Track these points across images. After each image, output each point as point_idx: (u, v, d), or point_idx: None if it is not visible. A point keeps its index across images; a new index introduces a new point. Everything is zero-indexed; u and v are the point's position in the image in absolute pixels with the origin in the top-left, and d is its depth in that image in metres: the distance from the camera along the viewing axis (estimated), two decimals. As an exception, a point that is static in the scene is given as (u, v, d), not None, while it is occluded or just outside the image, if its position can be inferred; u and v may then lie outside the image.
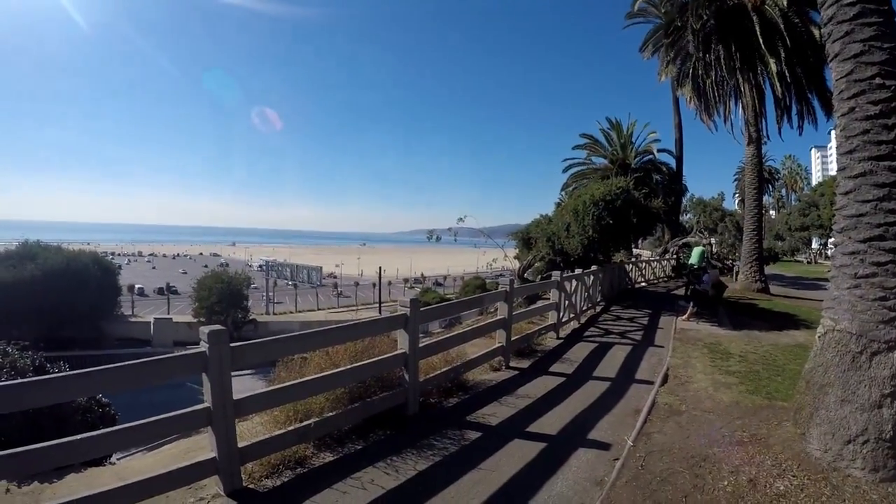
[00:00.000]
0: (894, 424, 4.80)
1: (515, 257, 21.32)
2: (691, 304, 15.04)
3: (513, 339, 9.38)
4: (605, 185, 18.01)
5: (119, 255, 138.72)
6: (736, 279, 26.84)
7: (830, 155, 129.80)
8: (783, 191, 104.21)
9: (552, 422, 6.55)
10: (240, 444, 4.60)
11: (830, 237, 61.64)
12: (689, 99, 26.37)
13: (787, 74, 21.37)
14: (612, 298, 18.48)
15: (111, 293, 38.81)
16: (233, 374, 4.46)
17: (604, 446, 5.81)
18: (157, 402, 7.08)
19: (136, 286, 75.73)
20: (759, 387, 8.30)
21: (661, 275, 30.12)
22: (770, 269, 33.05)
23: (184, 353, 4.50)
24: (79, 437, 3.84)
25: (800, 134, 24.78)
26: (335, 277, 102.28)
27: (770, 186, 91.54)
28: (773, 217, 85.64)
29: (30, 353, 9.40)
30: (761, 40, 20.81)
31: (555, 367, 9.33)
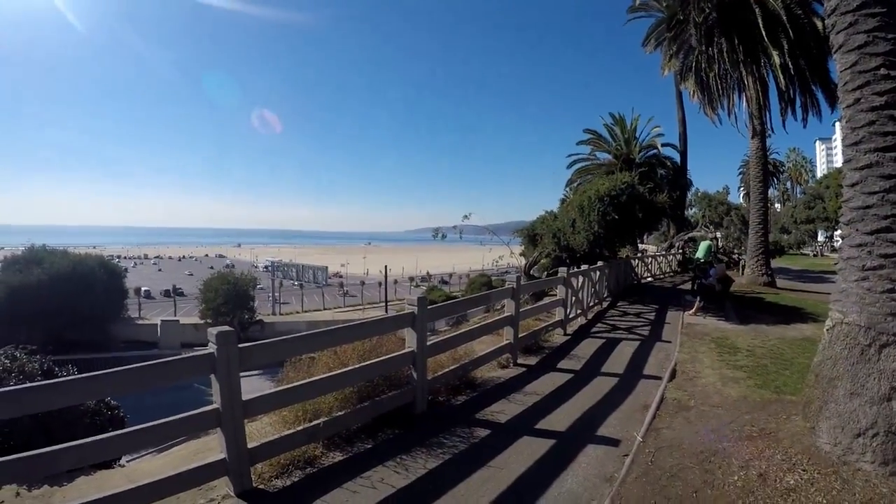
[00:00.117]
0: (904, 417, 4.79)
1: (521, 254, 21.29)
2: (698, 298, 15.00)
3: (520, 335, 9.38)
4: (610, 180, 18.01)
5: (125, 257, 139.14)
6: (742, 273, 26.76)
7: (835, 147, 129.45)
8: (788, 184, 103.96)
9: (561, 418, 6.56)
10: (249, 445, 4.61)
11: (836, 230, 61.56)
12: (692, 93, 26.31)
13: (791, 66, 21.29)
14: (618, 294, 18.45)
15: (118, 296, 38.99)
16: (241, 374, 4.47)
17: (613, 442, 5.81)
18: (165, 403, 7.10)
19: (143, 289, 75.89)
20: (768, 381, 8.28)
21: (667, 270, 30.10)
22: (776, 263, 32.92)
23: (192, 354, 4.51)
24: (89, 440, 3.87)
25: (804, 126, 24.68)
26: (341, 277, 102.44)
27: (775, 179, 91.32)
28: (778, 210, 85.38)
29: (38, 356, 9.46)
30: (764, 32, 20.71)
31: (562, 364, 9.33)
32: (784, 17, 20.47)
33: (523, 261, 20.70)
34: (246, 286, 39.77)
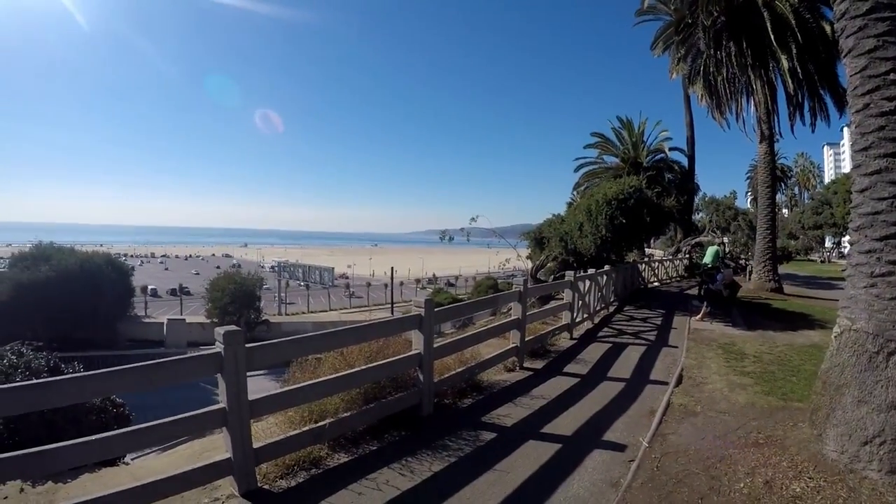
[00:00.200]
0: (911, 425, 4.77)
1: (528, 257, 21.30)
2: (705, 303, 14.99)
3: (527, 339, 9.40)
4: (618, 184, 17.98)
5: (132, 256, 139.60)
6: (749, 278, 26.66)
7: (843, 152, 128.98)
8: (796, 189, 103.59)
9: (567, 423, 6.55)
10: (255, 445, 4.62)
11: (844, 236, 61.28)
12: (700, 96, 26.22)
13: (799, 71, 21.18)
14: (625, 298, 18.44)
15: (124, 294, 39.16)
16: (247, 374, 4.49)
17: (619, 447, 5.80)
18: (172, 402, 7.11)
19: (149, 287, 76.10)
20: (775, 388, 8.25)
21: (674, 274, 30.08)
22: (783, 269, 32.83)
23: (199, 353, 4.53)
24: (94, 437, 3.88)
25: (812, 131, 24.55)
26: (347, 278, 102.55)
27: (783, 184, 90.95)
28: (785, 216, 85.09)
29: (44, 353, 9.49)
30: (772, 36, 20.66)
31: (569, 368, 9.33)
32: (792, 21, 20.41)
33: (530, 264, 20.69)
34: (252, 286, 39.86)
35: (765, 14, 20.94)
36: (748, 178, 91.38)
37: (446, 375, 7.20)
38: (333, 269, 72.44)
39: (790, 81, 21.61)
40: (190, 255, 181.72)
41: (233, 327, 4.47)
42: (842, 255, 70.59)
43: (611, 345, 11.32)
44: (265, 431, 5.41)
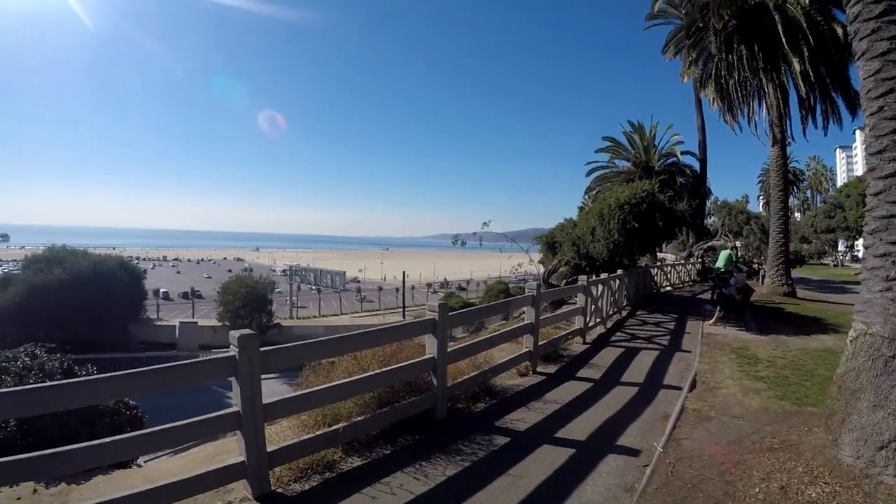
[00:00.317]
0: (928, 431, 4.75)
1: (540, 262, 21.29)
2: (718, 308, 14.93)
3: (540, 343, 9.38)
4: (630, 188, 17.95)
5: (144, 259, 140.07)
6: (762, 283, 26.53)
7: (855, 155, 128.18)
8: (808, 192, 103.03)
9: (581, 427, 6.56)
10: (268, 448, 4.64)
11: (857, 239, 60.88)
12: (712, 100, 26.12)
13: (811, 74, 21.09)
14: (637, 303, 18.38)
15: (137, 297, 39.36)
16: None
17: (633, 452, 5.80)
18: (186, 405, 7.15)
19: (161, 290, 76.45)
20: (789, 392, 8.23)
21: (687, 279, 29.97)
22: (796, 273, 32.63)
23: (214, 357, 4.56)
24: (109, 439, 3.93)
25: (825, 134, 24.42)
26: (358, 282, 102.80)
27: (795, 188, 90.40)
28: (798, 219, 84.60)
29: (58, 355, 9.55)
30: (784, 39, 20.57)
31: (582, 373, 9.33)
32: (804, 24, 20.35)
33: (542, 268, 20.68)
34: (264, 290, 39.91)
35: (776, 17, 20.88)
36: (760, 181, 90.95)
37: (460, 380, 7.21)
38: (345, 272, 72.56)
39: (802, 84, 21.53)
40: (202, 259, 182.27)
41: (247, 331, 4.49)
42: (855, 259, 70.16)
43: (624, 349, 11.31)
44: (278, 435, 5.44)
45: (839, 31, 20.13)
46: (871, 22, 5.39)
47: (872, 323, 5.26)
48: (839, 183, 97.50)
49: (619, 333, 13.16)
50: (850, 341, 5.54)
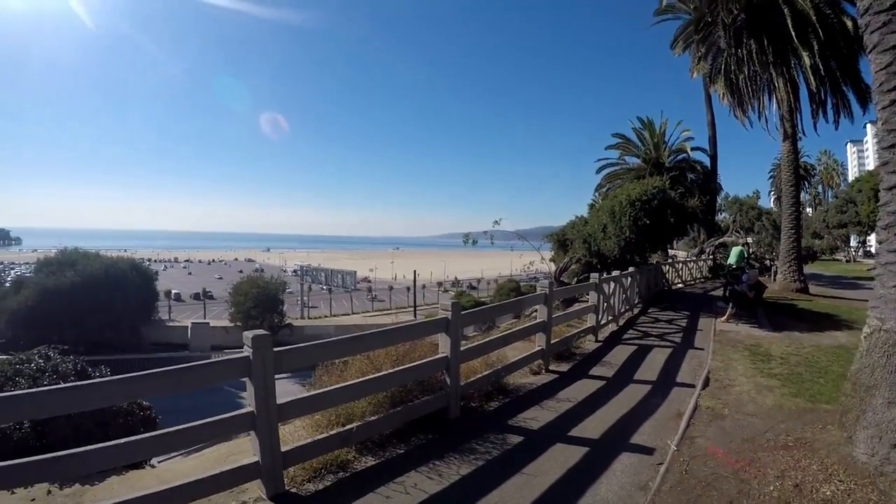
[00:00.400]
0: (944, 428, 4.73)
1: (551, 260, 21.27)
2: (730, 305, 14.87)
3: (552, 342, 9.37)
4: (641, 184, 17.90)
5: (155, 261, 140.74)
6: (774, 279, 26.35)
7: (866, 149, 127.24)
8: (819, 187, 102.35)
9: (594, 426, 6.56)
10: (282, 448, 4.67)
11: (869, 234, 60.39)
12: (721, 95, 25.97)
13: (821, 67, 20.92)
14: (649, 300, 18.33)
15: (149, 298, 39.55)
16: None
17: (647, 451, 5.79)
18: (201, 405, 7.18)
19: (173, 291, 76.92)
20: (802, 389, 8.19)
21: (698, 275, 29.82)
22: (808, 269, 32.39)
23: (228, 357, 4.58)
24: (124, 440, 3.96)
25: (836, 128, 24.17)
26: (369, 282, 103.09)
27: (806, 183, 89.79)
28: (809, 215, 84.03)
29: (71, 357, 9.61)
30: (793, 33, 20.45)
31: (594, 371, 9.32)
32: (813, 17, 20.21)
33: (553, 266, 20.66)
34: (275, 290, 40.03)
35: (785, 10, 20.74)
36: (771, 177, 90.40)
37: (472, 378, 7.21)
38: (355, 272, 72.72)
39: (812, 78, 21.37)
40: (213, 260, 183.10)
41: (261, 331, 4.51)
42: (867, 254, 69.55)
43: (636, 347, 11.29)
44: (292, 435, 5.46)
45: (849, 23, 19.99)
46: (882, 14, 5.36)
47: (887, 319, 5.24)
48: (850, 177, 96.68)
49: (631, 331, 13.13)
50: (865, 337, 5.52)
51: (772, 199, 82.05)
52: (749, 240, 32.13)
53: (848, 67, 22.03)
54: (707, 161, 37.19)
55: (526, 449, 5.83)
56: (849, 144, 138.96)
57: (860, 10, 5.75)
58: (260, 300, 37.98)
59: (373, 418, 5.66)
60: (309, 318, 57.64)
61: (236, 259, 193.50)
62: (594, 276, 11.79)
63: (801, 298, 21.44)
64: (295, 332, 38.84)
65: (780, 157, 26.88)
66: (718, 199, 47.06)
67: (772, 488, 4.84)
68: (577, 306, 13.23)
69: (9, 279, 42.44)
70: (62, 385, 4.00)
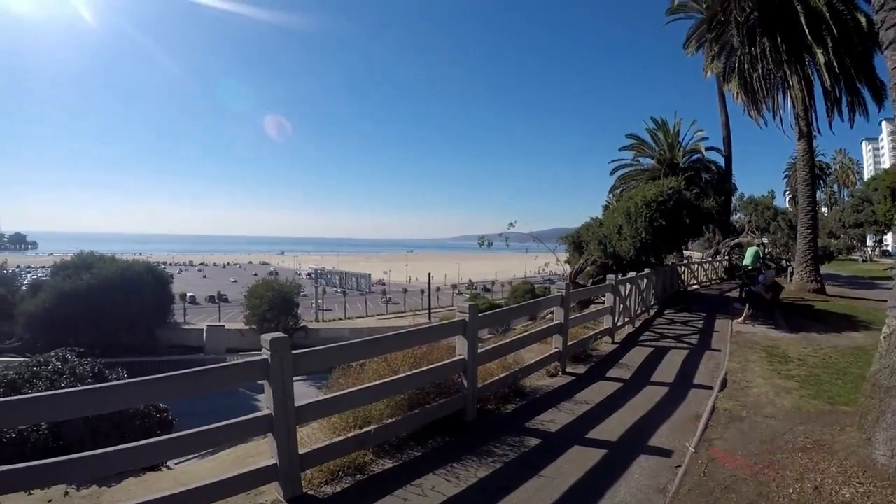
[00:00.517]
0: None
1: (566, 261, 21.25)
2: (746, 306, 14.80)
3: (569, 344, 9.37)
4: (657, 185, 17.88)
5: (171, 264, 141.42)
6: (790, 280, 26.21)
7: (882, 147, 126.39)
8: (835, 186, 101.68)
9: (612, 428, 6.55)
10: (300, 451, 4.69)
11: (886, 233, 59.91)
12: (735, 94, 25.86)
13: (836, 65, 20.85)
14: (665, 302, 18.24)
15: (164, 301, 39.77)
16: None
17: (665, 453, 5.79)
18: (218, 407, 7.23)
19: (188, 294, 77.34)
20: (821, 391, 8.16)
21: (714, 276, 29.68)
22: (825, 269, 32.11)
23: (246, 360, 4.62)
24: (142, 443, 4.00)
25: (851, 126, 23.97)
26: (384, 284, 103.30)
27: (822, 182, 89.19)
28: (825, 214, 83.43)
29: (88, 359, 9.72)
30: (807, 30, 20.35)
31: (611, 373, 9.30)
32: (827, 14, 20.13)
33: (568, 268, 20.64)
34: (290, 293, 40.09)
35: (798, 7, 20.66)
36: (786, 176, 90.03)
37: (489, 381, 7.22)
38: (370, 275, 72.78)
39: (827, 76, 21.29)
40: (228, 263, 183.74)
41: (279, 334, 4.54)
42: (884, 254, 69.03)
43: (653, 349, 11.25)
44: (308, 437, 5.47)
45: (863, 20, 19.89)
46: (897, 10, 5.34)
47: (906, 319, 5.21)
48: (866, 176, 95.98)
49: (647, 333, 13.10)
50: (884, 338, 5.48)
51: (787, 199, 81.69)
52: (765, 240, 31.99)
53: (862, 64, 21.89)
54: (721, 161, 37.05)
55: (543, 451, 5.83)
56: (864, 142, 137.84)
57: (875, 6, 5.73)
58: (275, 303, 38.06)
59: (390, 421, 5.67)
60: (324, 320, 57.80)
61: (251, 262, 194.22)
62: (610, 278, 11.77)
63: (817, 299, 21.32)
64: (310, 335, 38.89)
65: (795, 156, 26.69)
66: (733, 200, 46.87)
67: (791, 491, 4.82)
68: (592, 308, 13.21)
69: (26, 283, 42.81)
70: (80, 387, 4.06)
